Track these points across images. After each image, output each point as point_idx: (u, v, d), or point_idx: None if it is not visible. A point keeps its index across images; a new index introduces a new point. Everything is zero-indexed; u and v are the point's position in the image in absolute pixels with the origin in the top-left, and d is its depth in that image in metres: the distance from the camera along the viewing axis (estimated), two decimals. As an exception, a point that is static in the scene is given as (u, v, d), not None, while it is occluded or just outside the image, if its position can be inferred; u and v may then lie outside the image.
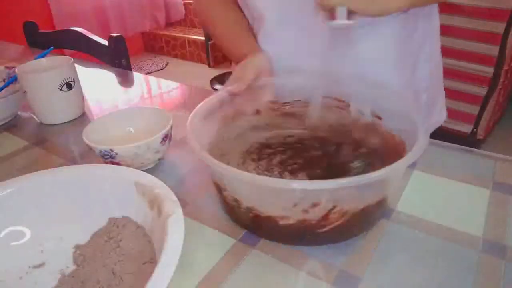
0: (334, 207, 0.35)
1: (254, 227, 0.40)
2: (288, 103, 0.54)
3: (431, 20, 0.64)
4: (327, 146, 0.50)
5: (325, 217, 0.35)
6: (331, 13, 0.43)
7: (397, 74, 0.61)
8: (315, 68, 0.51)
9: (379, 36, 0.58)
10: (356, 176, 0.32)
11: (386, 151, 0.45)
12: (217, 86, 0.49)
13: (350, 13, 0.43)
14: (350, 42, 0.56)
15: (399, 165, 0.34)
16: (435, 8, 0.64)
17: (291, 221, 0.36)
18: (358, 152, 0.48)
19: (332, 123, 0.52)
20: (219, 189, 0.41)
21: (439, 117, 0.72)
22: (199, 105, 0.46)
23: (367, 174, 0.32)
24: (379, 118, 0.47)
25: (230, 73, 0.56)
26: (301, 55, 0.60)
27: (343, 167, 0.46)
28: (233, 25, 0.66)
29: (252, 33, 0.65)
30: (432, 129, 0.69)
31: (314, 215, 0.35)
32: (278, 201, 0.37)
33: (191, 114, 0.44)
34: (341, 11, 0.42)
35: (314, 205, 0.35)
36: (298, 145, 0.51)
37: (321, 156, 0.49)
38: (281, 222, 0.37)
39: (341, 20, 0.42)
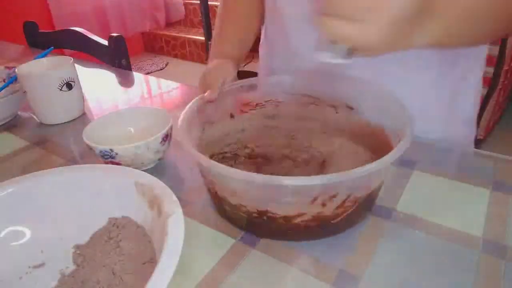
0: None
1: (253, 228, 0.40)
2: (261, 104, 0.54)
3: (479, 49, 0.58)
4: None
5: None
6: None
7: (433, 102, 0.58)
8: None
9: (415, 55, 0.52)
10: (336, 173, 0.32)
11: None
12: None
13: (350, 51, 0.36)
14: (384, 60, 0.53)
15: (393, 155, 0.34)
16: None
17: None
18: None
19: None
20: (215, 194, 0.41)
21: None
22: (183, 113, 0.45)
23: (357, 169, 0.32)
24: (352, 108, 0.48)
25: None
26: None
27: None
28: (228, 21, 0.66)
29: (247, 35, 0.66)
30: (460, 150, 0.61)
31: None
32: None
33: (180, 122, 0.43)
34: (340, 48, 0.34)
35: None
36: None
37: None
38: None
39: (335, 58, 0.34)
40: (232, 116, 0.53)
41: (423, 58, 0.54)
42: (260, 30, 0.70)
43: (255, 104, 0.53)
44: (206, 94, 0.49)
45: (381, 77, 0.53)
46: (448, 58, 0.55)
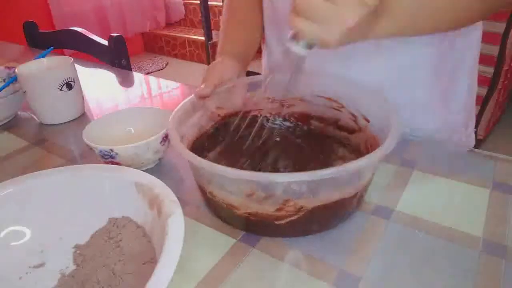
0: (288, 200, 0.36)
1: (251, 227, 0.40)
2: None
3: (476, 30, 0.58)
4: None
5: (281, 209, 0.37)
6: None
7: (432, 86, 0.58)
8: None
9: (411, 39, 0.52)
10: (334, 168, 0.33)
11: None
12: None
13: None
14: (378, 43, 0.54)
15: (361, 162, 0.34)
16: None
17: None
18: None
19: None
20: (209, 198, 0.41)
21: (468, 141, 0.66)
22: (176, 110, 0.46)
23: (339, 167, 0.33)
24: (367, 121, 0.48)
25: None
26: (325, 57, 0.56)
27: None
28: (233, 21, 0.66)
29: (252, 35, 0.65)
30: (460, 150, 0.62)
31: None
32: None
33: (170, 120, 0.44)
34: (303, 42, 0.38)
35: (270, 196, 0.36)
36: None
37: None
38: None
39: (297, 48, 0.38)
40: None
41: (422, 41, 0.54)
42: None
43: (279, 100, 0.54)
44: (198, 89, 0.48)
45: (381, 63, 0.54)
46: (445, 39, 0.55)
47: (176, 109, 0.46)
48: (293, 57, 0.39)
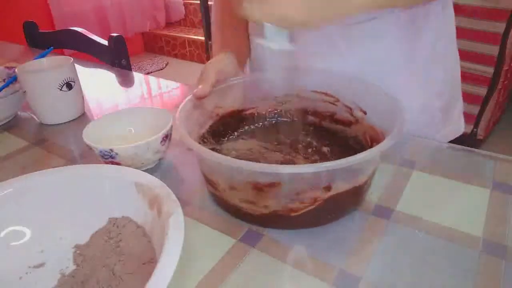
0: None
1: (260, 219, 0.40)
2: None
3: (445, 19, 0.59)
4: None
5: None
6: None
7: (407, 74, 0.58)
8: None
9: (380, 34, 0.55)
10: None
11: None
12: None
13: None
14: (350, 41, 0.55)
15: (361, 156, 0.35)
16: (449, 7, 0.59)
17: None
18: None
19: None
20: (215, 188, 0.42)
21: (457, 126, 0.67)
22: (180, 108, 0.46)
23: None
24: (364, 113, 0.49)
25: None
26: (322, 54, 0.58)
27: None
28: (227, 20, 0.65)
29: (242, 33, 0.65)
30: (449, 138, 0.65)
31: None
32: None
33: (177, 117, 0.44)
34: (268, 30, 0.33)
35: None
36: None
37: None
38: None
39: (272, 42, 0.34)
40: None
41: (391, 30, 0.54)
42: None
43: (274, 96, 0.55)
44: (195, 90, 0.48)
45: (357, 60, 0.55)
46: (417, 18, 0.55)
47: (180, 107, 0.46)
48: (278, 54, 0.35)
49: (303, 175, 0.35)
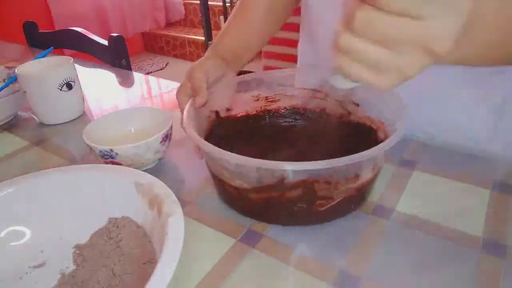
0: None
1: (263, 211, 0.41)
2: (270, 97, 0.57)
3: None
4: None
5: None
6: None
7: (465, 87, 0.53)
8: None
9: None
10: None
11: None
12: None
13: None
14: None
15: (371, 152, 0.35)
16: None
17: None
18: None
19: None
20: (221, 183, 0.42)
21: None
22: (185, 115, 0.46)
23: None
24: (356, 105, 0.51)
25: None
26: None
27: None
28: (238, 20, 0.64)
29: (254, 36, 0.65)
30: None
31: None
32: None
33: (185, 119, 0.44)
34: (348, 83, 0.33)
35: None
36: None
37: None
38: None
39: (340, 84, 0.33)
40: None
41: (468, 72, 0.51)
42: (273, 36, 0.68)
43: (265, 96, 0.56)
44: (195, 101, 0.48)
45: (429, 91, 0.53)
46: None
47: (186, 108, 0.46)
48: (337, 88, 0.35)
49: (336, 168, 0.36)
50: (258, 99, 0.56)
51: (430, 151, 0.52)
